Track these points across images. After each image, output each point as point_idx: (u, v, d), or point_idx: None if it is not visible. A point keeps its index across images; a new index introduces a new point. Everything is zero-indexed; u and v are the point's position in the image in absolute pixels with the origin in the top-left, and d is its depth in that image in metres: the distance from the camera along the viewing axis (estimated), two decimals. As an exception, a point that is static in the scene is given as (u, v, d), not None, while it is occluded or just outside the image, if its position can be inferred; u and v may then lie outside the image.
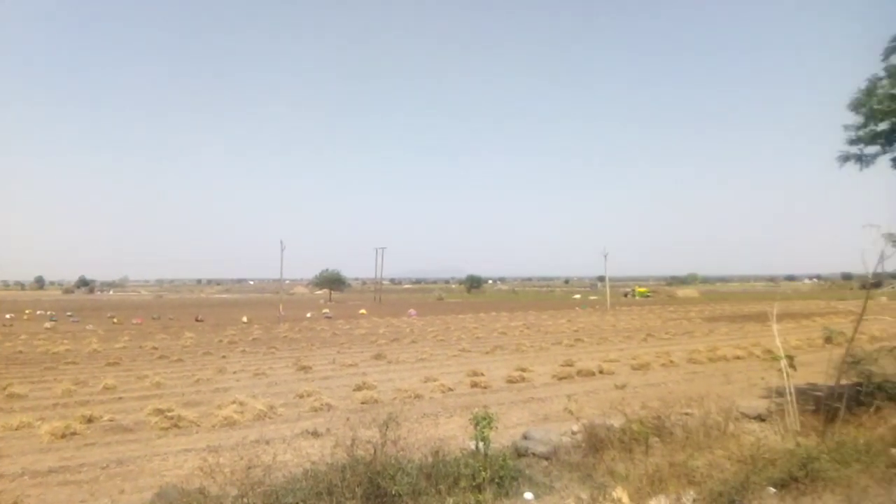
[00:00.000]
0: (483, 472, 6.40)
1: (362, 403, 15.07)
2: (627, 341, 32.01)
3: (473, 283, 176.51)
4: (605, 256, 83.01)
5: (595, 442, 8.41)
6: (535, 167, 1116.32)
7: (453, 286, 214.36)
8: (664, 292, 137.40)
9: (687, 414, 9.61)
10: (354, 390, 16.83)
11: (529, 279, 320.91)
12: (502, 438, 9.13)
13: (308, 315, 63.64)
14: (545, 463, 8.20)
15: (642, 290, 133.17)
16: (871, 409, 9.08)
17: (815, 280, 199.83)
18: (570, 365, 21.15)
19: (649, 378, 18.84)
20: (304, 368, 22.30)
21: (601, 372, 19.99)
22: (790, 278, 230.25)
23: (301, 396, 15.96)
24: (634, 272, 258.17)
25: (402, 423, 7.32)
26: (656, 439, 8.47)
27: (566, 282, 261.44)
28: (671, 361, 22.23)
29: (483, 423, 6.73)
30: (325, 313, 66.02)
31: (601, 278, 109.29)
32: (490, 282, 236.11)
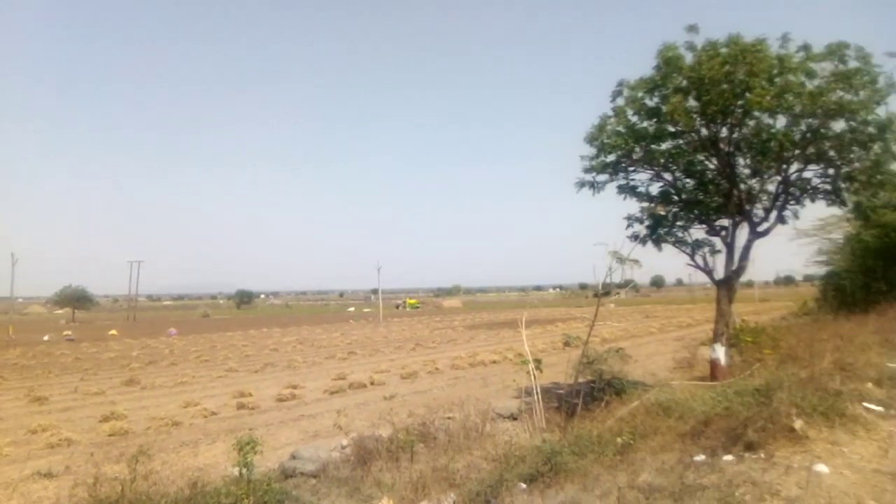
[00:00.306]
0: (245, 500, 6.10)
1: (110, 436, 13.51)
2: (398, 351, 32.98)
3: (244, 299, 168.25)
4: (379, 269, 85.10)
5: (364, 454, 8.54)
6: (308, 178, 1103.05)
7: (221, 302, 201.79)
8: (432, 303, 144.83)
9: (449, 418, 10.23)
10: (101, 421, 14.97)
11: (304, 293, 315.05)
12: (269, 461, 8.82)
13: (45, 338, 54.85)
14: (314, 481, 8.10)
15: (413, 301, 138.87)
16: (603, 404, 10.53)
17: (557, 290, 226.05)
18: (343, 378, 21.21)
19: (417, 386, 19.64)
20: (39, 399, 19.28)
21: (372, 383, 20.32)
22: (538, 288, 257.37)
23: (34, 432, 13.89)
24: (406, 284, 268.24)
25: (156, 454, 6.75)
26: (422, 445, 8.86)
27: (341, 295, 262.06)
28: (437, 369, 23.43)
29: (247, 447, 6.42)
30: (66, 335, 57.60)
31: (375, 291, 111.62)
32: (262, 297, 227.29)
